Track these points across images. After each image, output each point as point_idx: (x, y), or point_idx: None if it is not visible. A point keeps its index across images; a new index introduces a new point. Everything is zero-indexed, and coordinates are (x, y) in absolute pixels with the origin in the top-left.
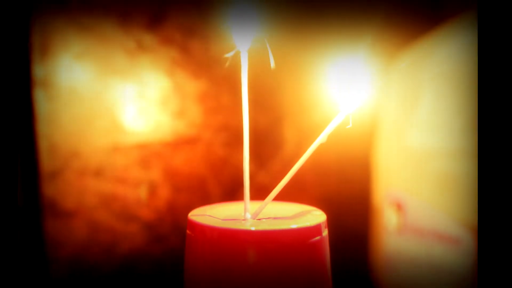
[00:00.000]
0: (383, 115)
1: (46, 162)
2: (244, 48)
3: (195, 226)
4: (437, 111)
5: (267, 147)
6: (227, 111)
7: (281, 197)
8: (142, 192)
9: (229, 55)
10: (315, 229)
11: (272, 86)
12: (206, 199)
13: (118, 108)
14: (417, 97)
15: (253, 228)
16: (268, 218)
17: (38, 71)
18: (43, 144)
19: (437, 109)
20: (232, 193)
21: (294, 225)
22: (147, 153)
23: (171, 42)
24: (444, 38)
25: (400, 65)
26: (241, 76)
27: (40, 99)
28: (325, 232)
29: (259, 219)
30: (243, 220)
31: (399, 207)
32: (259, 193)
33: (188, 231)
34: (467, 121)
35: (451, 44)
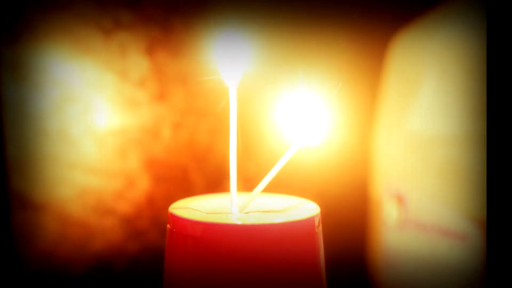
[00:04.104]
0: (382, 99)
1: (13, 150)
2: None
3: (177, 220)
4: (441, 94)
5: (256, 134)
6: (211, 94)
7: (271, 188)
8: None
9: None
10: (308, 223)
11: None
12: (189, 191)
13: (92, 91)
14: (420, 79)
15: (240, 222)
16: (257, 211)
17: (6, 52)
18: (10, 131)
19: (442, 92)
20: (217, 184)
21: (284, 219)
22: (124, 141)
23: (151, 19)
24: (449, 15)
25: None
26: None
27: (8, 82)
28: (318, 227)
29: (246, 213)
30: (229, 213)
31: (399, 199)
32: (246, 184)
33: (168, 226)
34: (475, 105)
35: (457, 21)
